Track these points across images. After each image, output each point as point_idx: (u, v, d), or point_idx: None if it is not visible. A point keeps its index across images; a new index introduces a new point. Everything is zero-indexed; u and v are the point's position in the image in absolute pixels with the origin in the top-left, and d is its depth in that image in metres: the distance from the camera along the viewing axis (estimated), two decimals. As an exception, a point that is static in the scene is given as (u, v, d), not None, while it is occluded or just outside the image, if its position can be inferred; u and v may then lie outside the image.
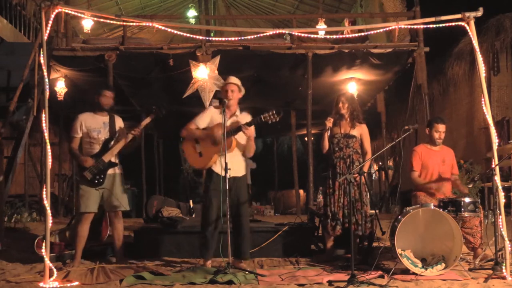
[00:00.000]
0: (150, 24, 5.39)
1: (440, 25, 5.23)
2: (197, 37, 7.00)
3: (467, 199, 4.98)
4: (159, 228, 6.47)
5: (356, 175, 5.19)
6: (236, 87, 5.25)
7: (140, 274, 4.65)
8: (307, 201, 9.90)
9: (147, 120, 5.56)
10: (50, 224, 4.54)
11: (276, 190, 19.54)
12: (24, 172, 10.99)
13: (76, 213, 6.16)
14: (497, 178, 4.78)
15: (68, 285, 4.41)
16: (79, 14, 6.39)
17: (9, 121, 7.81)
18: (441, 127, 5.63)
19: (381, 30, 7.81)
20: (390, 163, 15.58)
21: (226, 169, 4.77)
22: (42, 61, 4.93)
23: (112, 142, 5.41)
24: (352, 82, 10.96)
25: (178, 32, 6.07)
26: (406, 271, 4.74)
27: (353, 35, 7.10)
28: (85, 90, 10.67)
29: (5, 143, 7.44)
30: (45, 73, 4.93)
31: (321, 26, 11.43)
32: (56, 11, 4.80)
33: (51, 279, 4.41)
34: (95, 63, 9.69)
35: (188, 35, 5.92)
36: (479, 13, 4.99)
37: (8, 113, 7.66)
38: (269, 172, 19.35)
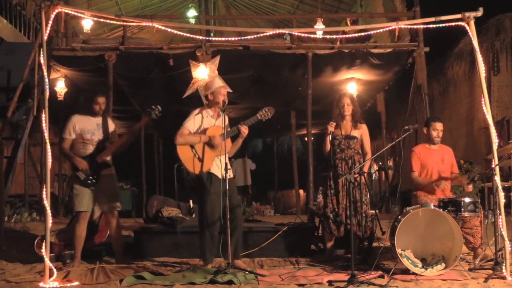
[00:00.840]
0: (150, 24, 5.39)
1: (440, 25, 5.23)
2: (197, 37, 6.99)
3: (467, 199, 4.98)
4: (159, 228, 6.45)
5: (356, 175, 5.21)
6: (225, 90, 5.33)
7: (140, 274, 4.65)
8: (307, 201, 9.90)
9: (141, 123, 5.65)
10: (50, 224, 4.55)
11: (276, 190, 19.54)
12: (24, 172, 10.98)
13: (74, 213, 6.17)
14: (497, 178, 4.78)
15: (68, 285, 4.41)
16: (79, 14, 6.39)
17: (9, 121, 7.81)
18: (439, 125, 5.63)
19: (381, 30, 7.80)
20: (390, 163, 15.57)
21: (226, 169, 4.81)
22: (42, 61, 4.94)
23: (106, 144, 5.42)
24: (352, 82, 10.96)
25: (178, 32, 6.06)
26: (406, 271, 4.74)
27: (356, 34, 7.09)
28: (85, 90, 10.66)
29: (5, 143, 7.44)
30: (45, 73, 4.94)
31: (320, 26, 11.42)
32: (56, 11, 4.80)
33: (51, 279, 4.41)
34: (95, 63, 9.68)
35: (188, 35, 5.92)
36: (479, 13, 4.99)
37: (8, 113, 7.66)
38: (269, 172, 19.36)
